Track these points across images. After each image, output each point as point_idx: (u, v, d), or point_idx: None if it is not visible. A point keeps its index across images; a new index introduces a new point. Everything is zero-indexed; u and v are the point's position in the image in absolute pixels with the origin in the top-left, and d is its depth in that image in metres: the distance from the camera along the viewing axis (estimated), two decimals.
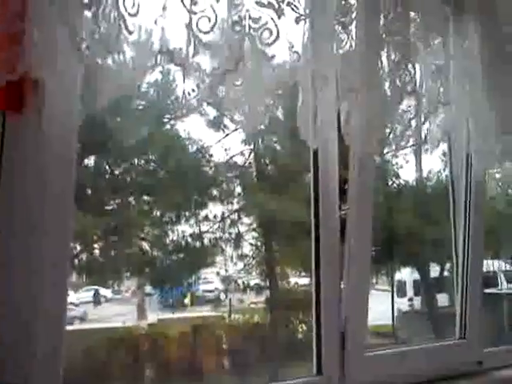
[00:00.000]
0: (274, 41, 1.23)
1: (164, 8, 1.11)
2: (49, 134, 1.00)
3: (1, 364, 0.94)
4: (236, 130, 5.85)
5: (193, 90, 1.12)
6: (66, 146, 1.04)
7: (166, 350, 5.46)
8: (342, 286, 1.57)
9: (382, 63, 1.46)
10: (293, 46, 1.30)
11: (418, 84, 1.49)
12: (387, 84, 1.46)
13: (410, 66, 1.47)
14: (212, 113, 5.51)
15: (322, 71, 1.34)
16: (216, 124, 5.72)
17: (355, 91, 1.39)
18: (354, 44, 1.43)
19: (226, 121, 5.79)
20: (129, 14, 1.05)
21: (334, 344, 1.52)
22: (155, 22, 1.10)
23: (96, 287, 5.95)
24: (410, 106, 1.49)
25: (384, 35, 1.47)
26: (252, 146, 5.79)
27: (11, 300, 0.97)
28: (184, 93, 1.09)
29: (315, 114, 1.35)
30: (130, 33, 1.04)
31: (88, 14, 0.99)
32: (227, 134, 5.88)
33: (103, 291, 6.28)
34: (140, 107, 5.42)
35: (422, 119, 1.50)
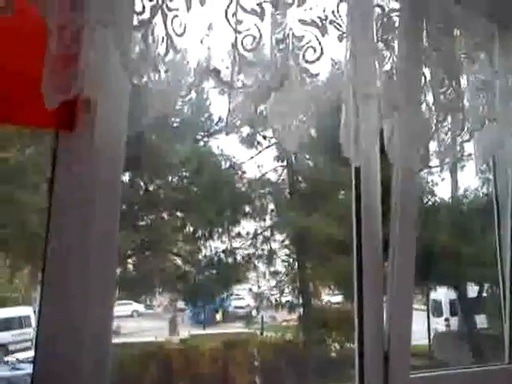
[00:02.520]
0: (318, 58, 1.23)
1: (210, 27, 1.12)
2: (99, 151, 1.02)
3: (51, 377, 0.95)
4: (269, 146, 5.88)
5: (236, 108, 1.12)
6: (114, 162, 1.06)
7: (197, 365, 5.46)
8: (385, 305, 1.53)
9: (425, 80, 1.44)
10: (336, 64, 1.30)
11: (463, 100, 1.46)
12: (431, 101, 1.44)
13: (454, 82, 1.45)
14: (245, 130, 5.57)
15: (364, 88, 1.33)
16: (249, 141, 5.77)
17: (399, 108, 1.37)
18: (396, 61, 1.42)
19: (259, 138, 5.84)
20: (176, 34, 1.07)
21: (377, 364, 1.48)
22: (201, 42, 1.12)
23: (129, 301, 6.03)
24: (454, 123, 1.46)
25: (427, 52, 1.46)
26: (285, 163, 5.81)
27: (61, 315, 0.99)
28: (230, 111, 1.10)
29: (357, 131, 1.34)
30: (177, 52, 1.06)
31: (138, 34, 1.01)
32: (260, 151, 5.92)
33: (136, 306, 6.35)
34: (175, 124, 5.52)
35: (467, 136, 1.47)
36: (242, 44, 1.13)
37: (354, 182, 1.53)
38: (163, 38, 1.05)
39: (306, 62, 1.23)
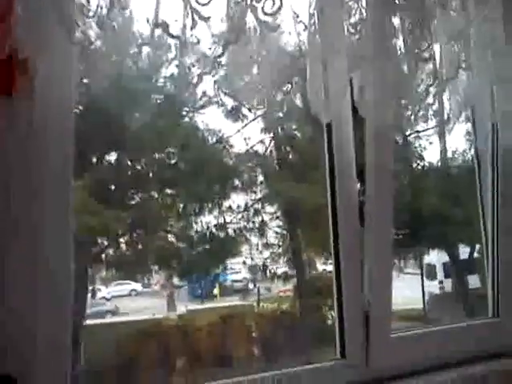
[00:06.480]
0: (278, 10, 1.16)
1: None
2: (42, 118, 0.96)
3: (2, 354, 0.92)
4: (255, 119, 5.79)
5: (193, 65, 1.07)
6: (62, 135, 1.00)
7: (195, 339, 5.49)
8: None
9: (395, 30, 1.37)
10: (298, 16, 1.23)
11: (435, 50, 1.40)
12: (402, 51, 1.37)
13: (426, 31, 1.38)
14: (230, 103, 5.47)
15: (330, 41, 1.27)
16: (234, 114, 5.68)
17: (368, 60, 1.31)
18: (364, 12, 1.35)
19: (245, 110, 5.74)
20: None
21: (357, 327, 1.46)
22: None
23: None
24: (428, 74, 1.40)
25: (397, 0, 1.39)
26: (272, 134, 5.73)
27: (12, 290, 0.95)
28: (181, 67, 1.04)
29: (326, 86, 1.28)
30: (123, 7, 0.99)
31: None
32: (246, 124, 5.83)
33: (134, 285, 6.36)
34: (158, 101, 5.41)
35: (441, 87, 1.41)
36: None
37: (326, 141, 1.48)
38: None
39: (265, 14, 1.16)
